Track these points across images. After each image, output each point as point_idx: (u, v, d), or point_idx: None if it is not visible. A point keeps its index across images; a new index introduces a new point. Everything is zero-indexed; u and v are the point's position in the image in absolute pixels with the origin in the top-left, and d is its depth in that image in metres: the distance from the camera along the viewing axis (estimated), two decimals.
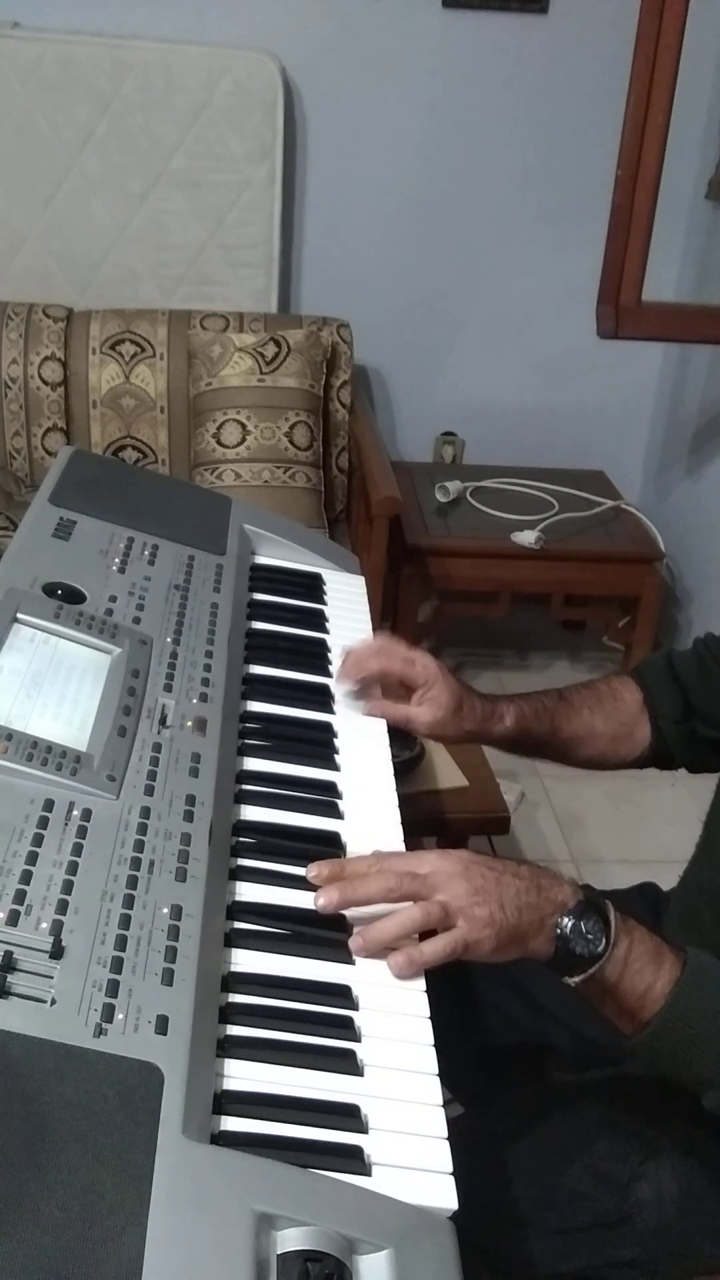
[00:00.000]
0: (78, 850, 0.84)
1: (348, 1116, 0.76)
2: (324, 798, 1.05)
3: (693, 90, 2.49)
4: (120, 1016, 0.73)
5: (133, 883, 0.83)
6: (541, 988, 1.22)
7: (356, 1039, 0.82)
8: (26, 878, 0.81)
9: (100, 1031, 0.72)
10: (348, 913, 0.89)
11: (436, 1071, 0.81)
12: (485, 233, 2.89)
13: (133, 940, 0.79)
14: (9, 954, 0.75)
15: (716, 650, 1.22)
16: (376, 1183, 0.72)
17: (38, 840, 0.84)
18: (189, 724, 1.02)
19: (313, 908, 0.89)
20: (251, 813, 1.01)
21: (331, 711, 1.18)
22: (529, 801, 2.56)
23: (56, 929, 0.78)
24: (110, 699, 1.01)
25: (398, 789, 1.10)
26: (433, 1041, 0.83)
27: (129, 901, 0.82)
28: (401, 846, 1.02)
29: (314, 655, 1.26)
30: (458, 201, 2.84)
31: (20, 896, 0.79)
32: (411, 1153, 0.75)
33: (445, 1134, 0.77)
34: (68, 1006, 0.73)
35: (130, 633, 1.11)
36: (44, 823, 0.86)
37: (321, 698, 1.19)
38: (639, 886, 1.33)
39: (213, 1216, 0.64)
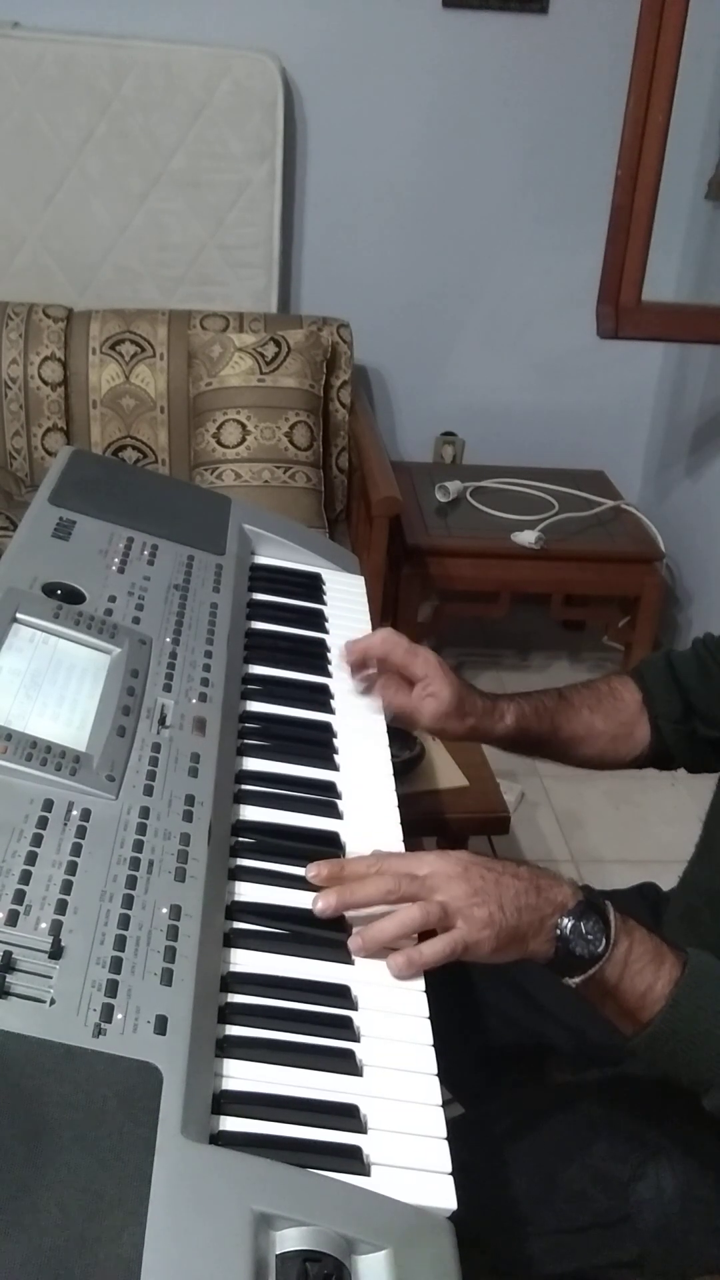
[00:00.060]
0: (77, 850, 0.84)
1: (347, 1116, 0.76)
2: (323, 798, 1.05)
3: (693, 90, 2.49)
4: (119, 1016, 0.73)
5: (132, 883, 0.83)
6: (541, 988, 1.22)
7: (356, 1039, 0.82)
8: (26, 878, 0.81)
9: (99, 1031, 0.72)
10: (347, 912, 0.89)
11: (436, 1071, 0.81)
12: (485, 233, 2.89)
13: (132, 940, 0.79)
14: (8, 954, 0.75)
15: (715, 650, 1.22)
16: (376, 1183, 0.72)
17: (37, 840, 0.84)
18: (188, 724, 1.02)
19: (311, 908, 0.89)
20: (251, 813, 1.01)
21: (331, 711, 1.18)
22: (529, 801, 2.56)
23: (56, 929, 0.78)
24: (110, 699, 1.01)
25: (397, 789, 1.10)
26: (432, 1041, 0.83)
27: (128, 901, 0.82)
28: (401, 846, 1.02)
29: (314, 655, 1.26)
30: (458, 201, 2.84)
31: (19, 896, 0.79)
32: (411, 1153, 0.75)
33: (444, 1134, 0.77)
34: (67, 1006, 0.73)
35: (130, 633, 1.11)
36: (43, 823, 0.86)
37: (321, 698, 1.19)
38: (639, 886, 1.33)
39: (211, 1216, 0.64)
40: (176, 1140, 0.67)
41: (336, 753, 1.11)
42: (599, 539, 2.75)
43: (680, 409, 3.01)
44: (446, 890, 0.87)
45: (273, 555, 1.43)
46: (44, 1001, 0.73)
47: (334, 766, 1.09)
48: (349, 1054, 0.81)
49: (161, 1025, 0.74)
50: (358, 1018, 0.84)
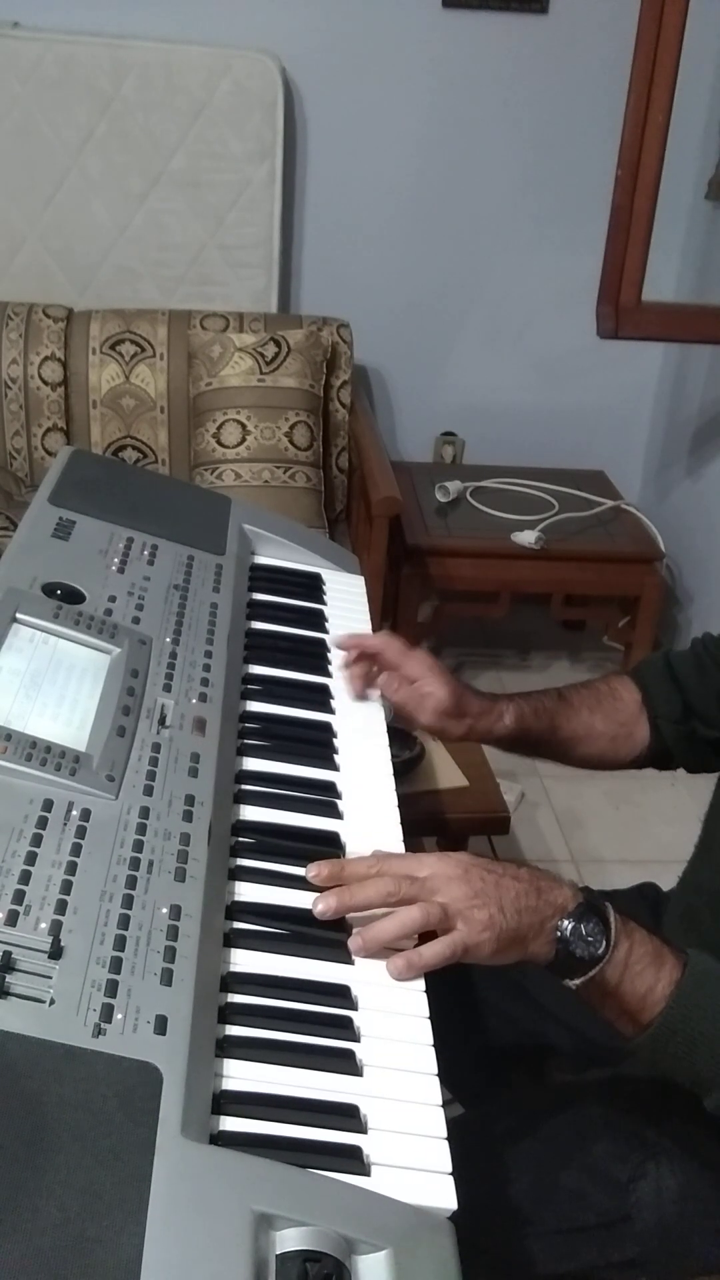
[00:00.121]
0: (77, 850, 0.84)
1: (347, 1116, 0.76)
2: (323, 798, 1.05)
3: (693, 90, 2.49)
4: (119, 1016, 0.73)
5: (132, 883, 0.83)
6: (542, 988, 1.21)
7: (356, 1039, 0.82)
8: (25, 878, 0.81)
9: (99, 1032, 0.72)
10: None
11: (436, 1071, 0.81)
12: (485, 233, 2.89)
13: (132, 940, 0.79)
14: (8, 954, 0.75)
15: (714, 650, 1.22)
16: (376, 1183, 0.72)
17: (37, 840, 0.84)
18: (188, 724, 1.02)
19: (312, 909, 0.88)
20: (251, 813, 1.01)
21: (331, 711, 1.18)
22: (529, 801, 2.56)
23: (55, 929, 0.78)
24: (109, 699, 1.01)
25: (397, 789, 1.10)
26: (432, 1041, 0.83)
27: (128, 901, 0.82)
28: (401, 847, 1.01)
29: (314, 655, 1.26)
30: (458, 201, 2.84)
31: (19, 897, 0.79)
32: (411, 1153, 0.75)
33: (445, 1134, 0.77)
34: (67, 1007, 0.73)
35: (129, 633, 1.11)
36: (43, 823, 0.86)
37: (321, 698, 1.19)
38: (639, 887, 1.33)
39: (211, 1216, 0.64)
40: (176, 1140, 0.67)
41: (336, 753, 1.11)
42: (599, 539, 2.75)
43: (680, 409, 3.01)
44: (447, 892, 0.86)
45: (273, 555, 1.43)
46: (44, 1002, 0.73)
47: (334, 766, 1.09)
48: (349, 1054, 0.81)
49: (161, 1025, 0.73)
50: (358, 1018, 0.84)
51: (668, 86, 2.11)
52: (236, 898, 0.91)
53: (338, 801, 1.05)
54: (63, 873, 0.82)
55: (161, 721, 1.02)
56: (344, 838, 1.00)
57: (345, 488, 2.78)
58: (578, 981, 0.88)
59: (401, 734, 1.17)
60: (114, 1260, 0.61)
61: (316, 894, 0.89)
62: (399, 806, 1.07)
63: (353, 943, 0.88)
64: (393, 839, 1.02)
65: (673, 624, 3.00)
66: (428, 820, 1.73)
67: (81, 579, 1.17)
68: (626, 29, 2.13)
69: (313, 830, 1.01)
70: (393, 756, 1.15)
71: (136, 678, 1.05)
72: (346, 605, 1.38)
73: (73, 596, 1.15)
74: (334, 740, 1.13)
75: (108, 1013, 0.73)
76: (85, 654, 1.07)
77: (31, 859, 0.82)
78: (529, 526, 2.69)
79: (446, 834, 1.78)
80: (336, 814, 1.03)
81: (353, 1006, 0.84)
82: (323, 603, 1.36)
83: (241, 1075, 0.77)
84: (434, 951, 0.86)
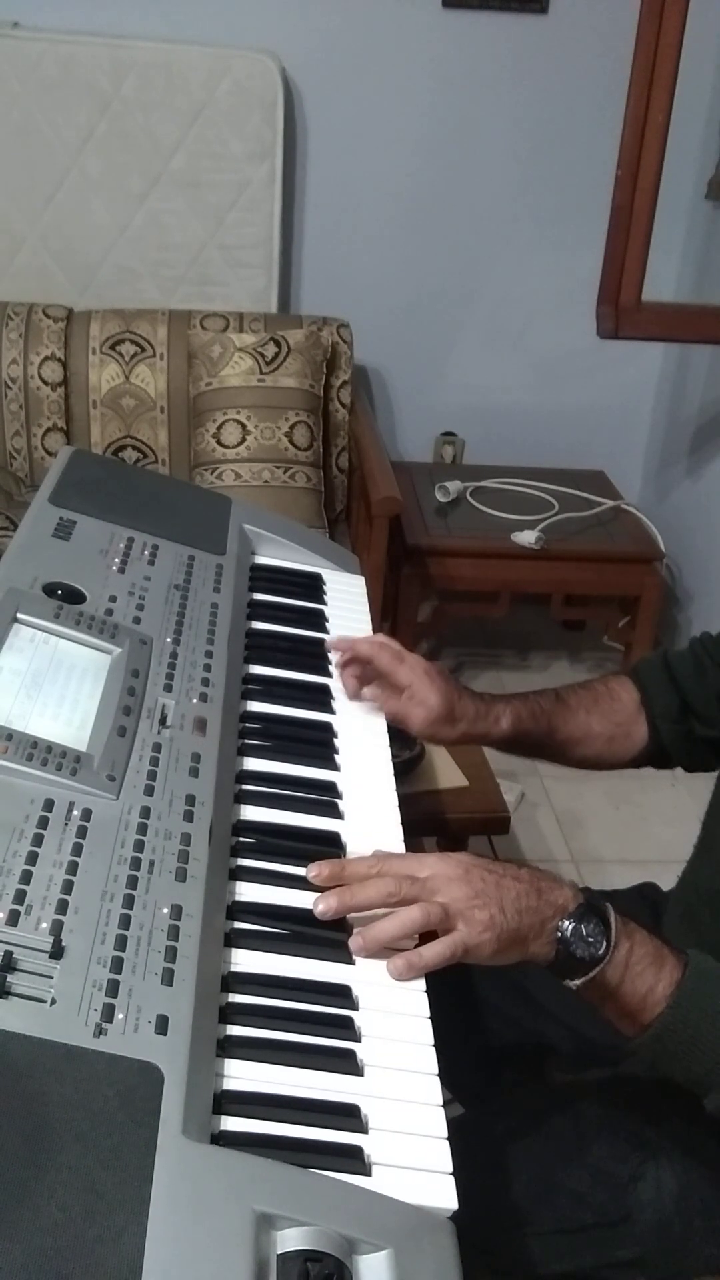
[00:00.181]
0: (78, 850, 0.84)
1: (347, 1116, 0.76)
2: (324, 798, 1.05)
3: (693, 90, 2.49)
4: (120, 1016, 0.73)
5: (133, 883, 0.83)
6: (542, 988, 1.22)
7: (356, 1039, 0.82)
8: (26, 878, 0.81)
9: (100, 1031, 0.72)
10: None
11: (436, 1071, 0.81)
12: (485, 233, 2.88)
13: (133, 940, 0.79)
14: (9, 954, 0.75)
15: (712, 650, 1.22)
16: (376, 1183, 0.72)
17: (38, 840, 0.84)
18: (189, 724, 1.02)
19: (312, 909, 0.89)
20: (251, 813, 1.01)
21: (331, 711, 1.18)
22: (529, 801, 2.56)
23: (56, 929, 0.78)
24: (110, 699, 1.01)
25: (398, 789, 1.10)
26: (433, 1041, 0.83)
27: (129, 901, 0.82)
28: (401, 847, 1.02)
29: (314, 655, 1.26)
30: (458, 201, 2.84)
31: (20, 896, 0.79)
32: (411, 1153, 0.75)
33: (445, 1134, 0.77)
34: (68, 1006, 0.73)
35: (130, 633, 1.11)
36: (44, 823, 0.86)
37: (321, 698, 1.19)
38: (639, 887, 1.33)
39: (212, 1216, 0.64)
40: (177, 1140, 0.67)
41: (337, 753, 1.12)
42: (599, 539, 2.75)
43: (680, 409, 3.01)
44: (447, 892, 0.87)
45: (273, 555, 1.43)
46: (45, 1001, 0.73)
47: (334, 766, 1.09)
48: (350, 1054, 0.81)
49: (162, 1025, 0.74)
50: (358, 1018, 0.84)
51: (668, 86, 2.11)
52: (237, 897, 0.91)
53: (338, 801, 1.05)
54: (64, 872, 0.82)
55: (162, 721, 1.02)
56: (344, 838, 1.01)
57: (345, 488, 2.78)
58: (578, 982, 0.88)
59: (402, 734, 1.17)
60: (115, 1260, 0.61)
61: (317, 894, 0.89)
62: (399, 806, 1.07)
63: (353, 943, 0.88)
64: (393, 839, 1.03)
65: (672, 624, 3.00)
66: (428, 820, 1.73)
67: (82, 579, 1.17)
68: (626, 29, 2.13)
69: (313, 830, 1.01)
70: (393, 756, 1.15)
71: (137, 678, 1.05)
72: (347, 605, 1.38)
73: (73, 596, 1.15)
74: (334, 740, 1.13)
75: (109, 1012, 0.73)
76: (86, 654, 1.07)
77: (32, 859, 0.82)
78: (529, 526, 2.69)
79: (447, 834, 1.78)
80: (337, 814, 1.03)
81: (353, 1006, 0.84)
82: (323, 603, 1.37)
83: (242, 1075, 0.77)
84: (434, 952, 0.86)
